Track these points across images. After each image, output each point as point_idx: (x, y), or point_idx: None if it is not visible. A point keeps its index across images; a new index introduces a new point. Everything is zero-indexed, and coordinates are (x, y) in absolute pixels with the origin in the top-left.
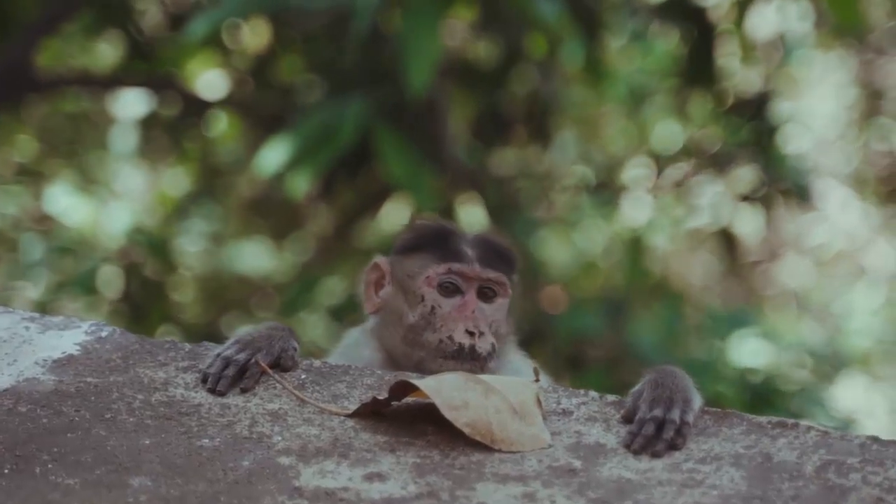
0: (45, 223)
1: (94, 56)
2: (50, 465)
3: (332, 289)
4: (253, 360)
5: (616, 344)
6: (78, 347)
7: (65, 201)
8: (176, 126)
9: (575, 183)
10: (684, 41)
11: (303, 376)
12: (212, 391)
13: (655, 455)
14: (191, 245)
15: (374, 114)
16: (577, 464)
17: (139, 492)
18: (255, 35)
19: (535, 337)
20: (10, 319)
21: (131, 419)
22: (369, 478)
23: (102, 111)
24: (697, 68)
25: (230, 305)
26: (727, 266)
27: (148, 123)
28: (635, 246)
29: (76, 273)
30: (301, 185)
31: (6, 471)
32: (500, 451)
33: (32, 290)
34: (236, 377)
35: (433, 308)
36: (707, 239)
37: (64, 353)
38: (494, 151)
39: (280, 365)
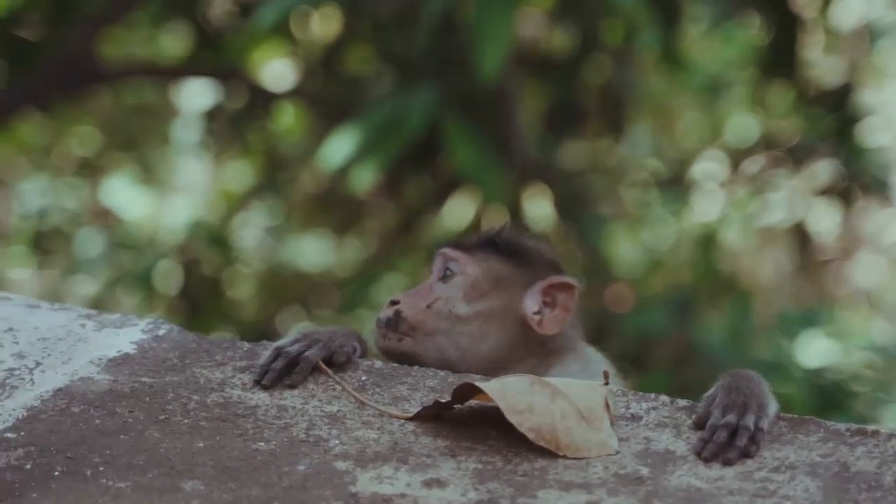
0: (104, 217)
1: (160, 46)
2: (101, 468)
3: (393, 285)
4: (306, 354)
5: (683, 343)
6: (134, 346)
7: (123, 195)
8: (240, 118)
9: (646, 177)
10: (766, 30)
11: (363, 378)
12: (258, 383)
13: (727, 463)
14: (251, 240)
15: (443, 104)
16: (645, 471)
17: (191, 496)
18: (324, 24)
19: (598, 335)
20: (66, 317)
21: (186, 421)
22: (428, 484)
23: (167, 103)
24: (778, 58)
25: (289, 302)
26: (799, 263)
27: (213, 115)
28: (705, 242)
29: (134, 268)
30: (366, 179)
31: (56, 473)
32: (565, 457)
33: (89, 286)
34: (284, 370)
35: None
36: (780, 235)
37: (120, 351)
38: (566, 144)
39: (334, 362)
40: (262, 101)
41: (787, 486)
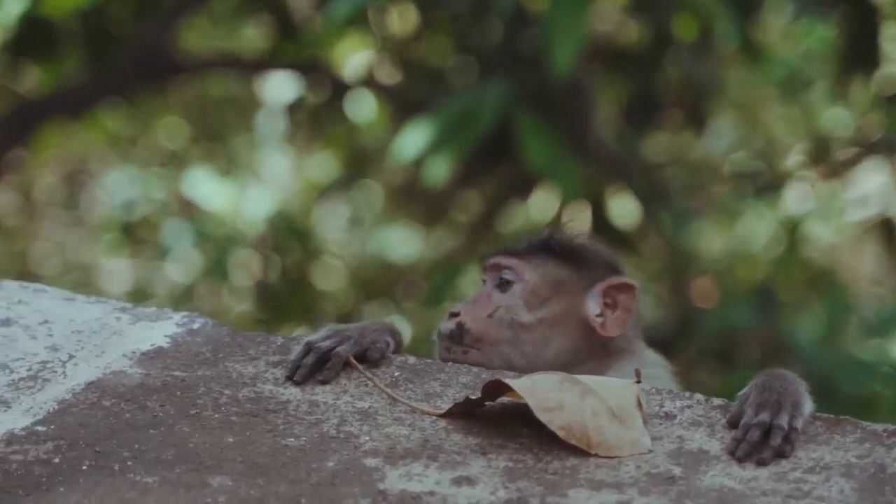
0: (189, 208)
1: (242, 38)
2: (129, 462)
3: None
4: (337, 350)
5: (770, 339)
6: (168, 340)
7: (205, 186)
8: (322, 110)
9: (731, 170)
10: (845, 24)
11: (396, 373)
12: (290, 379)
13: (761, 463)
14: (336, 232)
15: (515, 98)
16: (677, 471)
17: (218, 492)
18: (402, 16)
19: (682, 332)
20: (101, 310)
21: (216, 416)
22: (458, 482)
23: (250, 95)
24: (858, 53)
25: (376, 294)
26: (889, 259)
27: (295, 107)
28: (793, 236)
29: (215, 259)
30: (440, 172)
31: (84, 467)
32: (596, 456)
33: (175, 277)
34: (315, 366)
35: None
36: (871, 230)
37: (153, 345)
38: (646, 137)
39: (367, 358)
40: (343, 93)
41: (821, 487)
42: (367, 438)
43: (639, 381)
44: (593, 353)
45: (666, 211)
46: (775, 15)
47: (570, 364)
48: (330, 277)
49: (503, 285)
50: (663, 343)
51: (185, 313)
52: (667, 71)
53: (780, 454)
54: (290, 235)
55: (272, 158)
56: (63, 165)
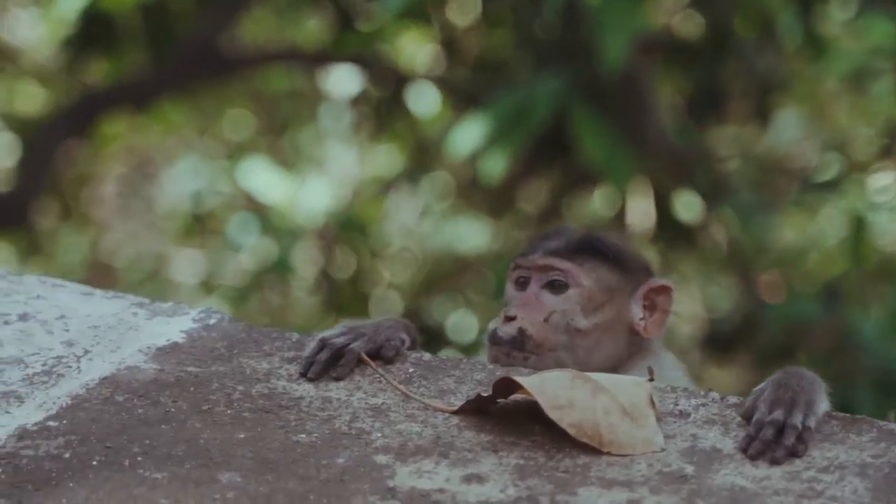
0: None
1: (303, 30)
2: (140, 458)
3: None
4: (351, 346)
5: (836, 333)
6: (183, 335)
7: (263, 179)
8: (384, 103)
9: (797, 164)
10: None
11: (410, 370)
12: (304, 375)
13: (775, 462)
14: (400, 224)
15: (570, 92)
16: (690, 469)
17: (227, 488)
18: (461, 9)
19: (747, 327)
20: (118, 305)
21: (229, 411)
22: (468, 479)
23: (314, 88)
24: None
25: (444, 287)
26: None
27: (357, 101)
28: (862, 229)
29: (275, 253)
30: (496, 167)
31: (94, 462)
32: (608, 454)
33: (237, 270)
34: (329, 362)
35: (507, 302)
36: None
37: (169, 340)
38: (709, 131)
39: (381, 356)
40: (405, 86)
41: (834, 487)
42: (379, 435)
43: (651, 379)
44: (630, 354)
45: (730, 205)
46: (839, 9)
47: (612, 367)
48: (394, 271)
49: (555, 288)
50: (727, 338)
51: (202, 308)
52: (729, 64)
53: (794, 453)
54: (350, 229)
55: (336, 152)
56: (131, 157)
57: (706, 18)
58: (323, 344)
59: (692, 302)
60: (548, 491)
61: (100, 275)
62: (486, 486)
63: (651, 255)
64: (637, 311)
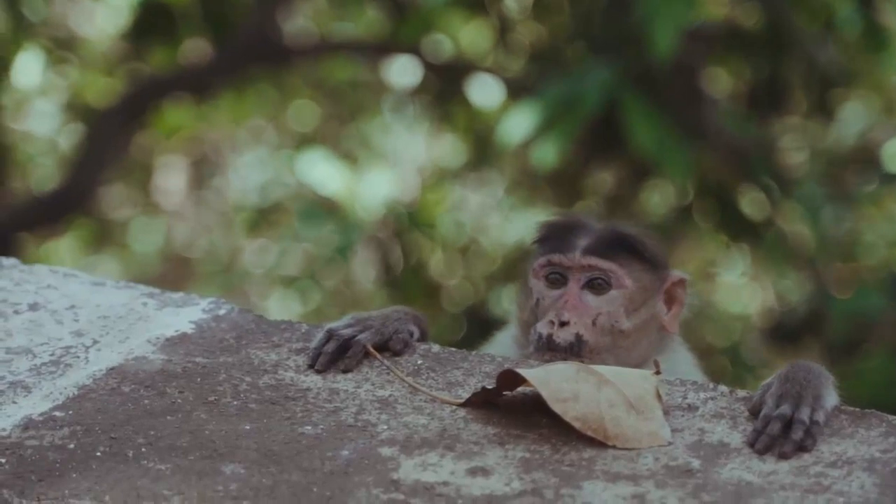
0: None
1: (361, 20)
2: (143, 449)
3: None
4: (357, 338)
5: None
6: (193, 325)
7: (324, 171)
8: (443, 94)
9: (866, 156)
10: None
11: (419, 361)
12: (311, 367)
13: (783, 456)
14: (466, 216)
15: (622, 81)
16: (696, 463)
17: (230, 480)
18: None
19: (812, 320)
20: (128, 295)
21: (235, 403)
22: (473, 472)
23: (375, 78)
24: None
25: (510, 279)
26: None
27: (417, 91)
28: None
29: (333, 245)
30: (548, 156)
31: (98, 453)
32: (614, 447)
33: (298, 263)
34: (336, 354)
35: (538, 301)
36: None
37: (177, 331)
38: (771, 124)
39: (390, 348)
40: (464, 77)
41: (841, 482)
42: (385, 427)
43: (658, 373)
44: (655, 349)
45: (796, 198)
46: None
47: (643, 363)
48: (463, 263)
49: (596, 288)
50: (794, 332)
51: (212, 299)
52: (790, 57)
53: (803, 448)
54: (411, 220)
55: (399, 142)
56: (199, 148)
57: (765, 10)
58: (330, 335)
59: (760, 296)
60: (552, 484)
61: (176, 267)
62: (491, 479)
63: (717, 249)
64: (662, 307)
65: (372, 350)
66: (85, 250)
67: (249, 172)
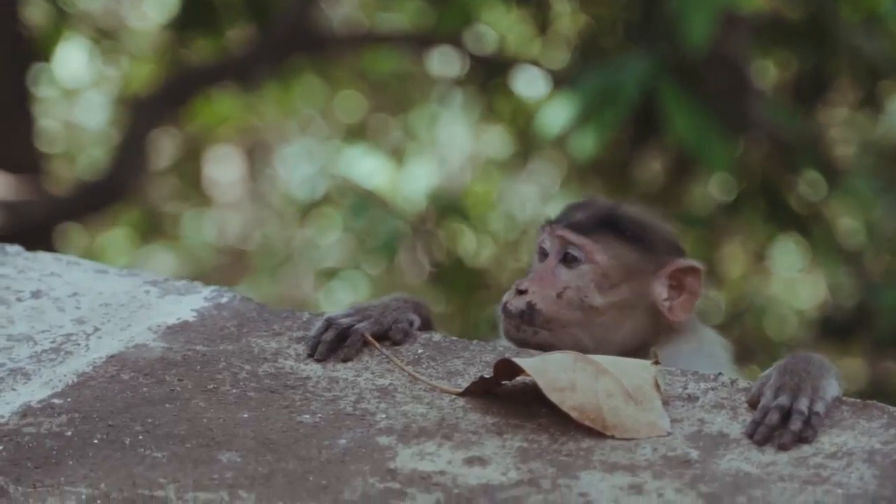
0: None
1: (403, 11)
2: (141, 437)
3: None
4: (356, 327)
5: None
6: (194, 313)
7: (368, 163)
8: (488, 85)
9: None
10: None
11: (419, 350)
12: (311, 356)
13: (782, 448)
14: (515, 206)
15: (660, 71)
16: (695, 454)
17: (226, 468)
18: None
19: (862, 314)
20: (131, 283)
21: (234, 391)
22: (470, 462)
23: (420, 70)
24: None
25: None
26: None
27: (461, 82)
28: None
29: (376, 237)
30: (587, 147)
31: (95, 441)
32: (613, 438)
33: (332, 255)
34: (335, 343)
35: (528, 272)
36: None
37: (179, 319)
38: (817, 115)
39: (390, 337)
40: (507, 69)
41: (840, 474)
42: (383, 416)
43: (657, 362)
44: (660, 335)
45: (845, 191)
46: None
47: (638, 346)
48: (507, 256)
49: (569, 262)
50: (844, 326)
51: (214, 287)
52: (836, 47)
53: (802, 439)
54: (453, 212)
55: (444, 134)
56: (247, 139)
57: (809, 1)
58: (328, 324)
59: (809, 289)
60: (549, 474)
61: (231, 260)
62: (488, 469)
63: (768, 243)
64: (661, 292)
65: (370, 339)
66: (136, 242)
67: (298, 164)
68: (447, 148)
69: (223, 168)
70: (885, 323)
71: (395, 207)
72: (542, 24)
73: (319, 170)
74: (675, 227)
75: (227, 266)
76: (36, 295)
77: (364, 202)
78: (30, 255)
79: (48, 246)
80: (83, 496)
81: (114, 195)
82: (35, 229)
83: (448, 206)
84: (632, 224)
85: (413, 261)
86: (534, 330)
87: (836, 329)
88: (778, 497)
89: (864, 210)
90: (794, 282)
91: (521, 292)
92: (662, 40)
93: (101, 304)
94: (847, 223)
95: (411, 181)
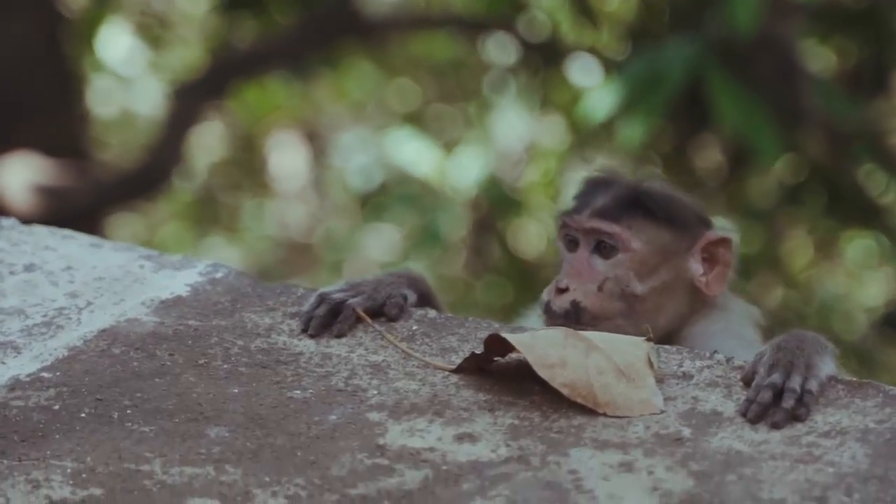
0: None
1: None
2: (129, 411)
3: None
4: (349, 302)
5: None
6: (188, 288)
7: (416, 150)
8: (543, 73)
9: None
10: None
11: (414, 327)
12: (304, 332)
13: (775, 426)
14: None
15: (708, 56)
16: (687, 432)
17: (213, 443)
18: None
19: None
20: (126, 257)
21: (225, 366)
22: (460, 438)
23: (475, 57)
24: None
25: None
26: None
27: (516, 70)
28: None
29: (423, 224)
30: (634, 133)
31: (83, 415)
32: (605, 415)
33: (381, 241)
34: (328, 318)
35: (562, 263)
36: None
37: (173, 293)
38: (874, 104)
39: (384, 313)
40: (562, 57)
41: (833, 452)
42: (375, 392)
43: (650, 339)
44: (696, 311)
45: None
46: None
47: (678, 325)
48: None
49: (605, 252)
50: None
51: (210, 262)
52: (893, 36)
53: (795, 417)
54: (505, 203)
55: (500, 122)
56: (303, 127)
57: None
58: (321, 299)
59: (879, 285)
60: (539, 451)
61: (295, 253)
62: (478, 446)
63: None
64: (697, 268)
65: (363, 314)
66: (195, 235)
67: (353, 153)
68: (501, 137)
69: (283, 157)
70: None
71: (446, 197)
72: (589, 10)
73: (375, 160)
74: (697, 198)
75: (289, 260)
76: (29, 268)
77: (416, 193)
78: (25, 228)
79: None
80: (68, 470)
81: (156, 183)
82: (80, 217)
83: (501, 197)
84: (660, 202)
85: (470, 253)
86: (581, 328)
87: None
88: (769, 475)
89: None
90: (864, 278)
91: (561, 290)
92: (710, 25)
93: (95, 278)
94: None
95: (463, 170)
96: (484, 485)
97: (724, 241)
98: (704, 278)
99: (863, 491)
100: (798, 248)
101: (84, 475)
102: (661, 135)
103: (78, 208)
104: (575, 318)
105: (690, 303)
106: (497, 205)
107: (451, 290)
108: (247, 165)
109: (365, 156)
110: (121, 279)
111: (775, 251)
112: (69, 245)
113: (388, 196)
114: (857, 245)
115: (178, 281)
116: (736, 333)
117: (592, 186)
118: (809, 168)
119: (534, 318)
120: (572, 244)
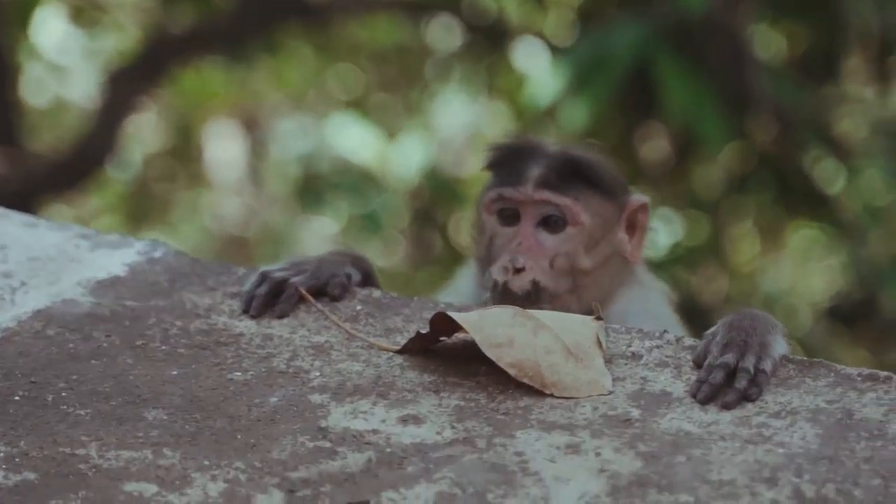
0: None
1: None
2: (64, 394)
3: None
4: (291, 281)
5: None
6: (126, 268)
7: (357, 137)
8: (486, 58)
9: None
10: None
11: (358, 307)
12: (245, 312)
13: (726, 406)
14: None
15: (655, 39)
16: (636, 413)
17: (151, 426)
18: None
19: (867, 300)
20: (61, 236)
21: (163, 347)
22: (404, 420)
23: (415, 43)
24: None
25: None
26: None
27: (459, 55)
28: None
29: (364, 214)
30: (577, 117)
31: (17, 398)
32: (552, 396)
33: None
34: (269, 297)
35: (492, 238)
36: None
37: (110, 273)
38: (823, 91)
39: (327, 293)
40: (505, 40)
41: (783, 433)
42: (318, 374)
43: (599, 318)
44: (619, 284)
45: (851, 170)
46: None
47: (604, 300)
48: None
49: (552, 226)
50: (849, 312)
51: (148, 241)
52: (844, 21)
53: (746, 398)
54: (443, 190)
55: (442, 108)
56: (238, 114)
57: None
58: (263, 277)
59: (823, 277)
60: (485, 433)
61: (231, 246)
62: (423, 428)
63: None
64: (624, 236)
65: (305, 294)
66: (128, 227)
67: (292, 142)
68: (445, 125)
69: (220, 146)
70: (891, 307)
71: (386, 184)
72: None
73: (315, 148)
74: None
75: (225, 253)
76: None
77: (356, 182)
78: None
79: None
80: (1, 454)
81: (89, 172)
82: (11, 206)
83: (443, 186)
84: (600, 172)
85: (411, 243)
86: (538, 307)
87: (842, 317)
88: (718, 456)
89: (872, 191)
90: (809, 270)
91: (518, 270)
92: (659, 7)
93: (30, 257)
94: (856, 205)
95: (403, 157)
96: (429, 467)
97: (644, 207)
98: (629, 246)
99: (813, 471)
100: (743, 238)
101: (17, 459)
102: (607, 122)
103: (8, 197)
104: (536, 298)
105: (616, 275)
106: (439, 194)
107: (392, 282)
108: (182, 155)
109: (305, 144)
110: (56, 258)
111: (720, 242)
112: (2, 223)
113: (328, 184)
114: (803, 236)
115: (116, 260)
116: (655, 313)
117: (517, 154)
118: (757, 157)
119: (463, 282)
120: (510, 218)
